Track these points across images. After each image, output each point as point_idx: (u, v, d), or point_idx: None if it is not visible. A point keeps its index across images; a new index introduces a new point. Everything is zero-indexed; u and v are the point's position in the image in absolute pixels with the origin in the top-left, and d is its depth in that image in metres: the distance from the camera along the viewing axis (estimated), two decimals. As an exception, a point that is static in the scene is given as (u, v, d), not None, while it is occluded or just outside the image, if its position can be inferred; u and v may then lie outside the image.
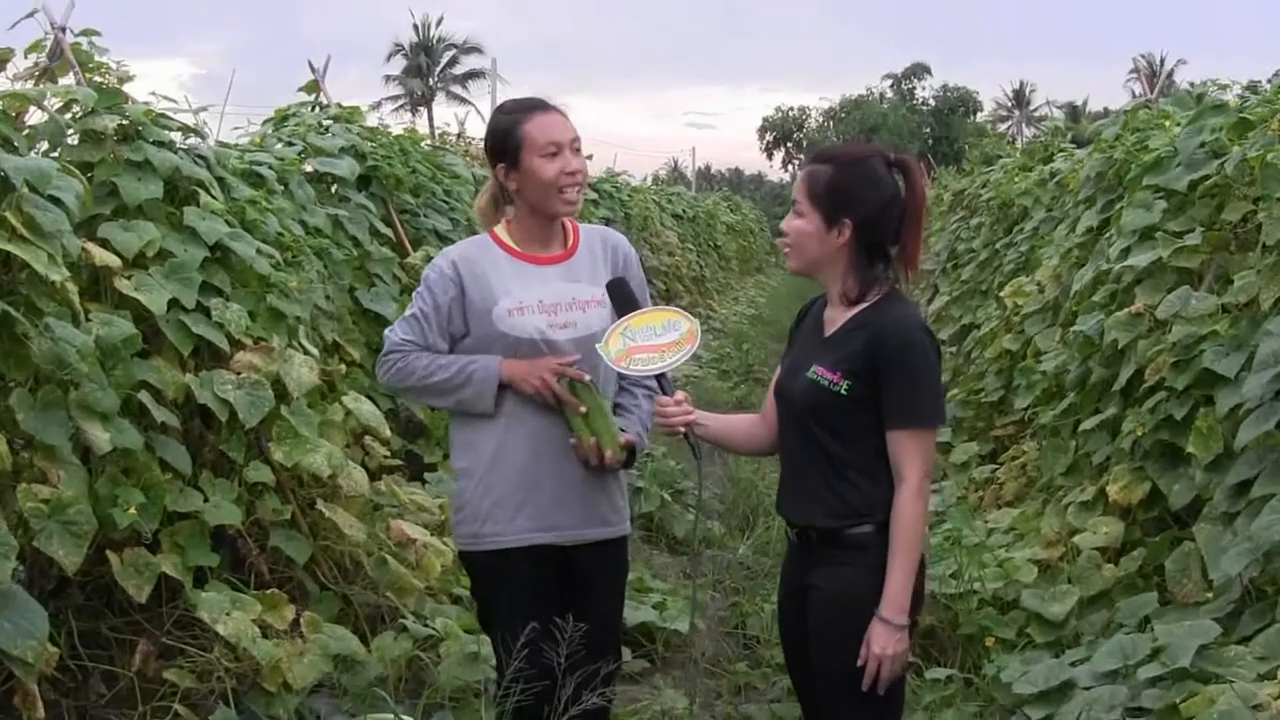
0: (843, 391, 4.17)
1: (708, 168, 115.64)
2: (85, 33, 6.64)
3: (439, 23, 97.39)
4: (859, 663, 4.17)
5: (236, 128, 9.55)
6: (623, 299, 4.68)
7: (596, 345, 4.52)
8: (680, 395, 4.51)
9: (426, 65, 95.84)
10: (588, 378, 4.65)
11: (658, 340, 4.46)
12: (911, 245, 4.32)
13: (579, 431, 4.66)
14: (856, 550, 4.25)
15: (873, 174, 4.25)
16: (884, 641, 4.14)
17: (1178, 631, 5.43)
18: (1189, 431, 6.51)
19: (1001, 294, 12.37)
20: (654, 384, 4.79)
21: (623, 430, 4.76)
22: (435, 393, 4.79)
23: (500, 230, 4.84)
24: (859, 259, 4.26)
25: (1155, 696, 5.15)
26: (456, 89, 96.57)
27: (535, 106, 4.73)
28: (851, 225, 4.20)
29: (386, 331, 4.91)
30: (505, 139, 4.68)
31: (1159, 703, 5.11)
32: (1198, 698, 4.83)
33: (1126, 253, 8.09)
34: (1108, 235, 9.11)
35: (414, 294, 4.85)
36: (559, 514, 4.76)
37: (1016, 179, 15.31)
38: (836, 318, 4.33)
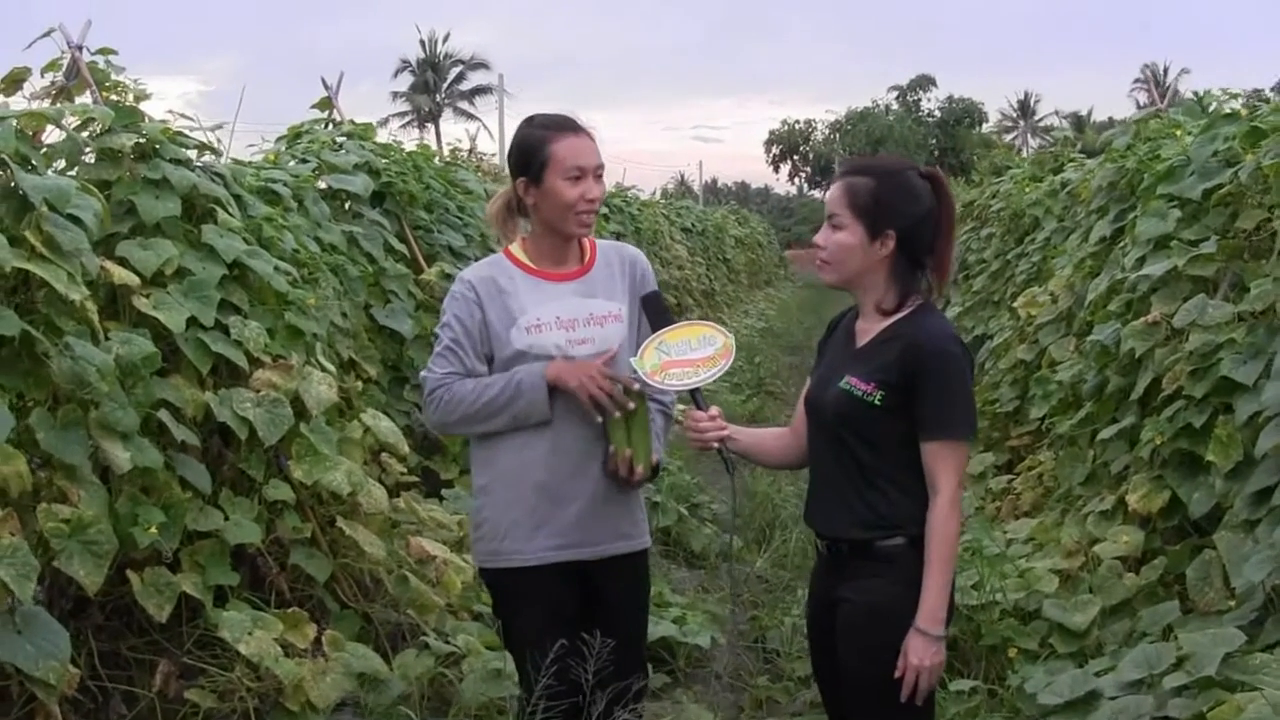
0: (876, 402, 4.17)
1: (714, 181, 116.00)
2: (102, 51, 6.66)
3: (445, 39, 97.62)
4: (897, 674, 4.16)
5: (251, 145, 9.53)
6: (657, 313, 4.68)
7: (630, 360, 4.52)
8: (714, 410, 4.50)
9: (433, 81, 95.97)
10: (636, 385, 4.61)
11: (693, 355, 4.44)
12: (944, 256, 4.36)
13: (617, 442, 4.62)
14: (887, 563, 4.24)
15: (912, 186, 4.27)
16: (922, 653, 4.13)
17: (1202, 640, 5.40)
18: (1208, 439, 6.49)
19: (1014, 304, 12.37)
20: (668, 400, 4.81)
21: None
22: (487, 415, 4.67)
23: (515, 248, 4.83)
24: (899, 270, 4.28)
25: (1182, 705, 5.12)
26: (464, 105, 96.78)
27: (566, 126, 4.68)
28: (895, 237, 4.23)
29: (423, 374, 4.82)
30: (532, 155, 4.64)
31: (1186, 711, 5.08)
32: (1225, 706, 4.80)
33: (1141, 262, 8.08)
34: (1121, 244, 9.10)
35: (439, 328, 4.80)
36: (579, 530, 4.73)
37: (1027, 189, 15.28)
38: (869, 329, 4.34)
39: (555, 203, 4.64)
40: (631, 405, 4.59)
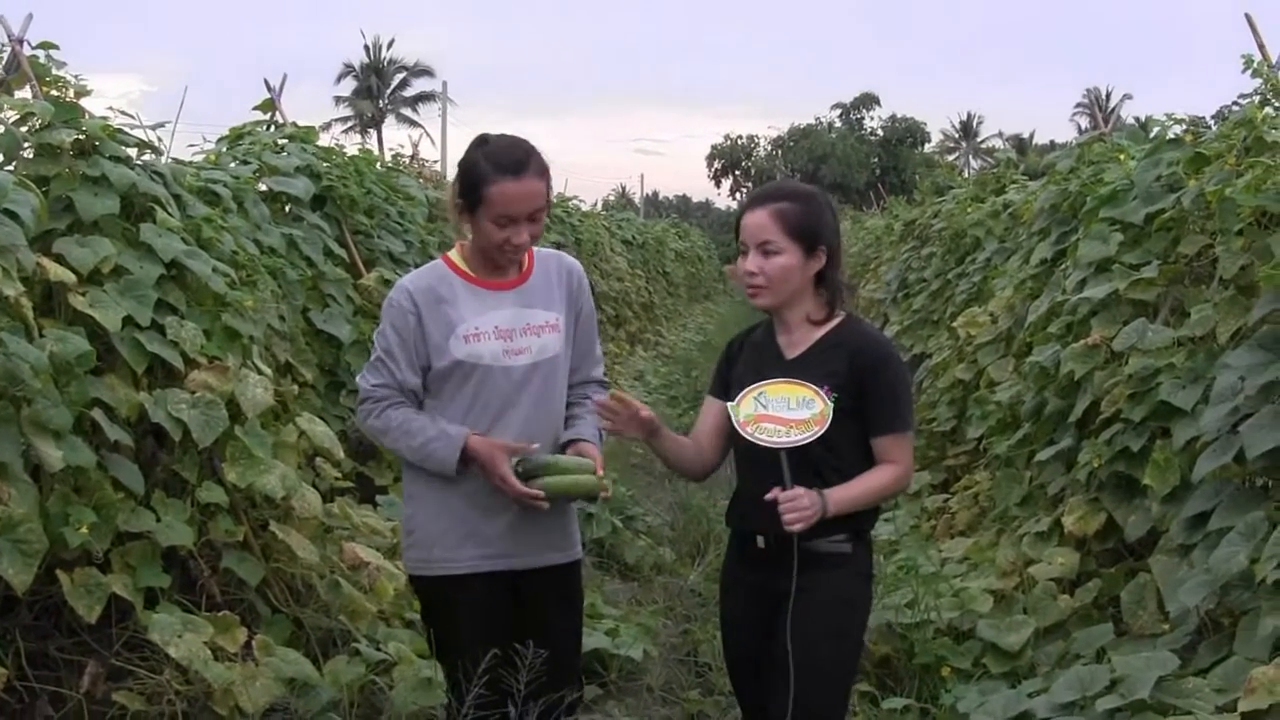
0: (831, 404, 4.32)
1: (655, 194, 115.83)
2: (43, 45, 6.59)
3: (390, 45, 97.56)
4: (776, 494, 4.31)
5: (192, 145, 9.47)
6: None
7: (728, 404, 4.50)
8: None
9: (377, 87, 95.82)
10: (535, 446, 4.66)
11: (789, 415, 4.40)
12: (844, 270, 4.69)
13: (559, 496, 4.69)
14: (837, 556, 4.47)
15: (827, 204, 4.61)
16: (806, 507, 4.29)
17: (1136, 663, 5.43)
18: (1145, 463, 6.54)
19: (954, 324, 12.39)
20: (594, 391, 4.94)
21: (587, 453, 4.78)
22: (405, 452, 4.77)
23: (455, 255, 4.83)
24: (826, 284, 4.55)
25: (1115, 728, 5.13)
26: (407, 111, 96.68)
27: (508, 170, 4.58)
28: (826, 252, 4.49)
29: (358, 379, 4.88)
30: (471, 188, 4.62)
31: (1119, 734, 5.10)
32: (1158, 730, 4.83)
33: (1083, 284, 8.13)
34: (1063, 267, 9.14)
35: (375, 335, 4.82)
36: (509, 541, 4.75)
37: (969, 209, 15.32)
38: (800, 340, 4.57)
39: (483, 239, 4.68)
40: (544, 499, 4.63)
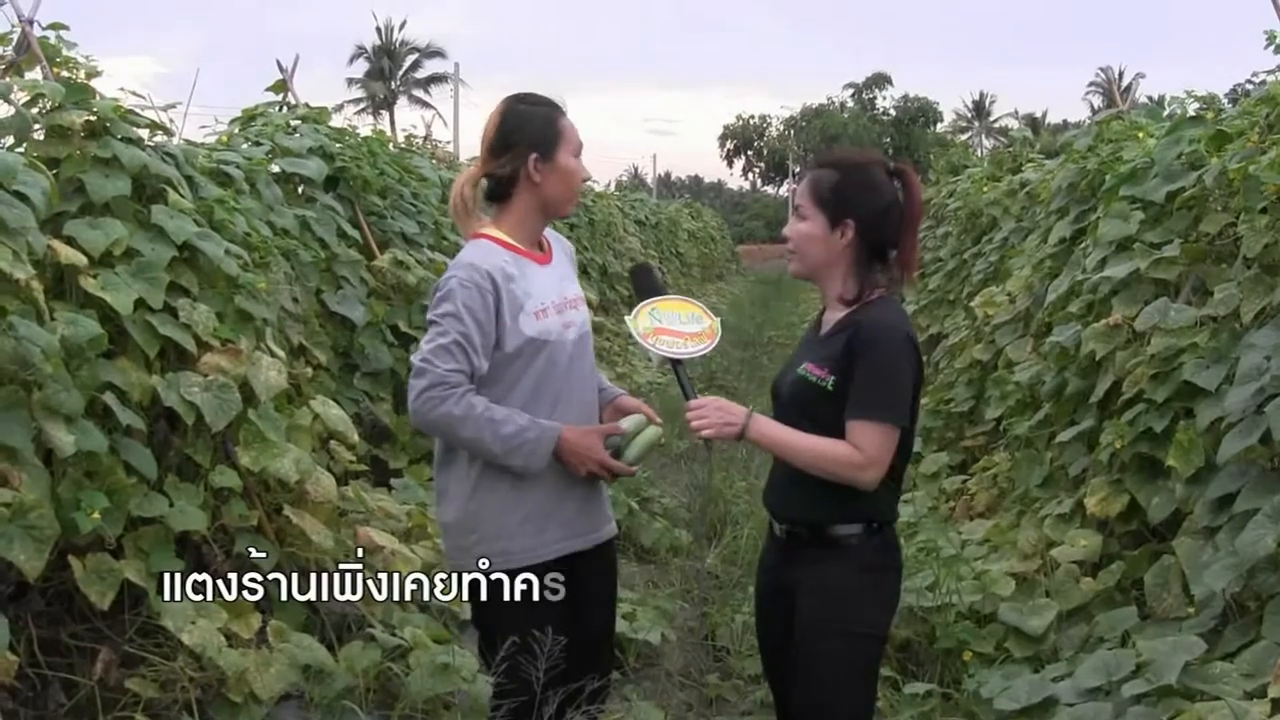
0: (829, 388, 4.25)
1: (668, 174, 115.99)
2: (53, 26, 6.53)
3: (402, 26, 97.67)
4: (690, 408, 4.33)
5: (204, 126, 9.45)
6: (647, 283, 4.74)
7: (626, 317, 4.60)
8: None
9: (389, 68, 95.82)
10: (624, 426, 4.63)
11: (681, 328, 4.54)
12: (908, 250, 4.40)
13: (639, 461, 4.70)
14: (842, 549, 4.33)
15: (873, 179, 4.37)
16: (724, 416, 4.29)
17: (1162, 648, 5.36)
18: (1168, 444, 6.48)
19: (971, 304, 12.34)
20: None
21: (630, 407, 4.81)
22: (478, 449, 4.49)
23: (496, 232, 4.65)
24: (859, 262, 4.35)
25: (1141, 713, 5.08)
26: (419, 93, 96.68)
27: (560, 106, 4.65)
28: (854, 227, 4.30)
29: (419, 361, 4.49)
30: (545, 129, 4.57)
31: (1145, 720, 5.04)
32: (1185, 715, 4.80)
33: (1103, 263, 8.06)
34: (1083, 246, 9.08)
35: (442, 317, 4.48)
36: (583, 519, 4.68)
37: (985, 189, 15.26)
38: (832, 318, 4.43)
39: (567, 180, 4.62)
40: (634, 471, 4.68)
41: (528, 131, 4.58)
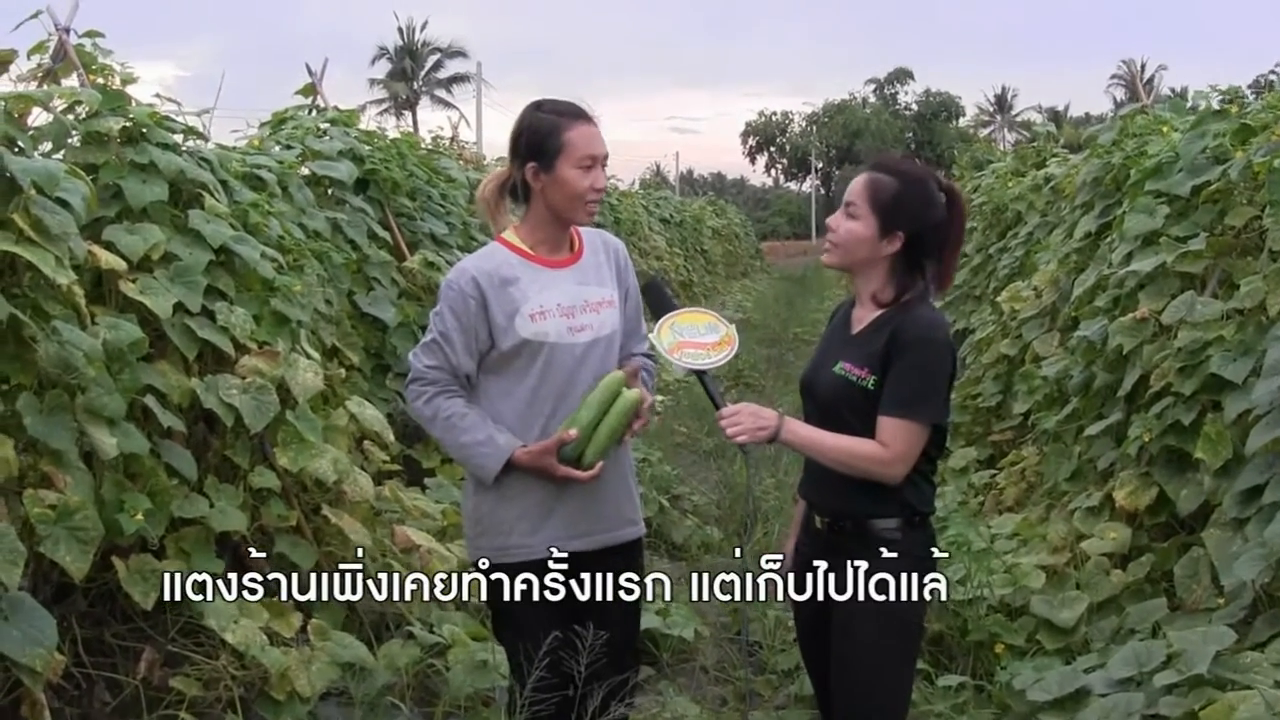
0: (870, 386, 4.31)
1: (690, 172, 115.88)
2: (89, 34, 6.59)
3: (423, 26, 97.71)
4: (723, 416, 4.38)
5: (235, 130, 9.46)
6: (659, 300, 4.78)
7: (650, 335, 4.63)
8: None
9: (411, 69, 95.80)
10: (573, 433, 4.57)
11: (702, 339, 4.60)
12: (948, 265, 4.49)
13: (610, 448, 4.67)
14: (884, 544, 4.37)
15: (931, 195, 4.42)
16: (752, 423, 4.33)
17: (1192, 638, 5.39)
18: (1196, 437, 6.51)
19: (997, 299, 12.35)
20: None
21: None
22: (448, 446, 4.75)
23: (510, 235, 4.76)
24: (899, 269, 4.42)
25: (1173, 703, 5.11)
26: (441, 93, 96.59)
27: (579, 114, 4.65)
28: (903, 238, 4.37)
29: (410, 357, 4.78)
30: (545, 140, 4.60)
31: (1177, 709, 5.07)
32: (1217, 705, 4.80)
33: (1129, 258, 8.08)
34: (1108, 240, 9.09)
35: (432, 315, 4.73)
36: (586, 519, 4.70)
37: (1009, 184, 15.26)
38: (864, 316, 4.48)
39: (567, 191, 4.61)
40: (592, 471, 4.63)
41: (530, 140, 4.65)
